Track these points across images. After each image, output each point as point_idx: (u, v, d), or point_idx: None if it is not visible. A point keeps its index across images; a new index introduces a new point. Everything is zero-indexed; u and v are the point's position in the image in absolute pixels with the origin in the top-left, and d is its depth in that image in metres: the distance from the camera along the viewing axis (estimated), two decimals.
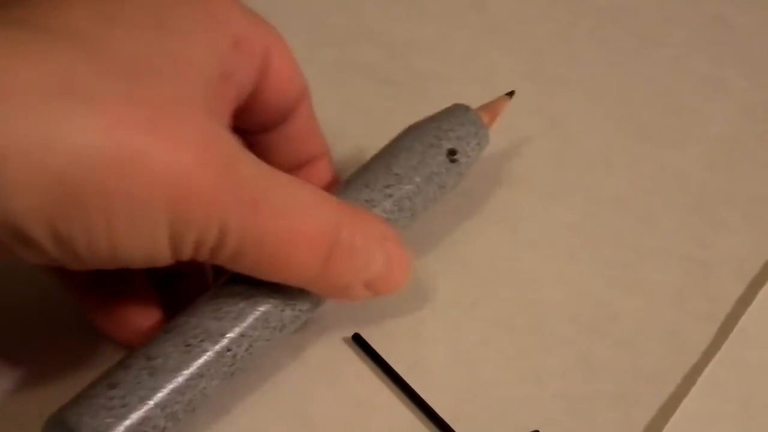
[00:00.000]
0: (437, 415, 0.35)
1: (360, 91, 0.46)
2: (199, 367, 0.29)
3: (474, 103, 0.38)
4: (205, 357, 0.30)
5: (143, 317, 0.32)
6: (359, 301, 0.33)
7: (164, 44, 0.27)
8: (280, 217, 0.28)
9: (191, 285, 0.34)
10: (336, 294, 0.33)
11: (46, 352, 0.35)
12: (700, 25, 0.49)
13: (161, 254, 0.27)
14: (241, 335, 0.30)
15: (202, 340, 0.30)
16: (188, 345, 0.29)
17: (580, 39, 0.49)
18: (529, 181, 0.43)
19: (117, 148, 0.24)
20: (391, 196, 0.34)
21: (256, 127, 0.34)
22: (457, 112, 0.37)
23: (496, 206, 0.42)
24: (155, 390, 0.28)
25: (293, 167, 0.35)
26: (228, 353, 0.30)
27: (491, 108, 0.38)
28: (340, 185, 0.35)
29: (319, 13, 0.49)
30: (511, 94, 0.39)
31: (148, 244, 0.26)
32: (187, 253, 0.27)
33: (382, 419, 0.35)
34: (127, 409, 0.28)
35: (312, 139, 0.36)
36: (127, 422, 0.28)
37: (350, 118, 0.45)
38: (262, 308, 0.31)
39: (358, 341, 0.37)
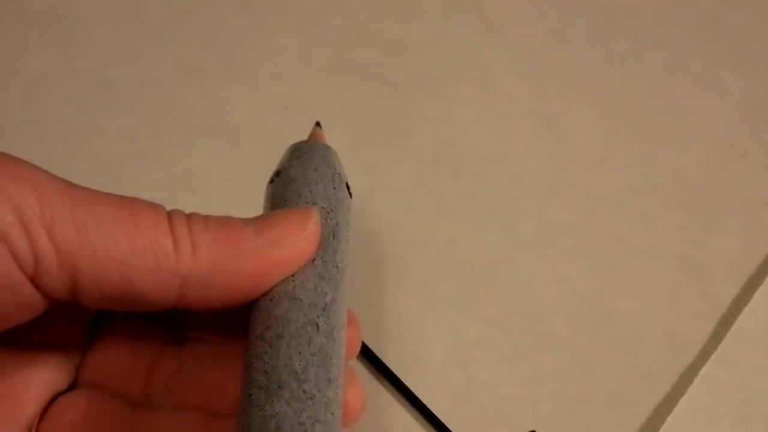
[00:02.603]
0: (434, 415, 0.35)
1: (356, 91, 0.46)
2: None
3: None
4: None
5: None
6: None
7: None
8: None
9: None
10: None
11: None
12: (696, 25, 0.49)
13: None
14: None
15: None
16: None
17: (575, 39, 0.49)
18: (524, 182, 0.43)
19: None
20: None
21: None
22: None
23: (492, 206, 0.42)
24: None
25: None
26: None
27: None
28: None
29: (315, 13, 0.49)
30: (318, 124, 0.34)
31: None
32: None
33: (380, 419, 0.35)
34: None
35: None
36: None
37: (346, 118, 0.45)
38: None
39: None
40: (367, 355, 0.36)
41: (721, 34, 0.49)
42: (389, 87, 0.46)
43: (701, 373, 0.36)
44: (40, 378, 0.26)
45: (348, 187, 0.27)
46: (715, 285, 0.39)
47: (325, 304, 0.24)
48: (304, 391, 0.22)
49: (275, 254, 0.24)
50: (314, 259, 0.25)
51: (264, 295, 0.24)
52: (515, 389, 0.36)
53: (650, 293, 0.39)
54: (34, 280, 0.23)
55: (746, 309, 0.38)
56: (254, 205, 0.41)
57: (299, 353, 0.23)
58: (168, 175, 0.43)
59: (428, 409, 0.35)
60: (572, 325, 0.38)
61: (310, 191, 0.26)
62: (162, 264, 0.23)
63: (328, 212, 0.26)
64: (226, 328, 0.28)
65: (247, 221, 0.25)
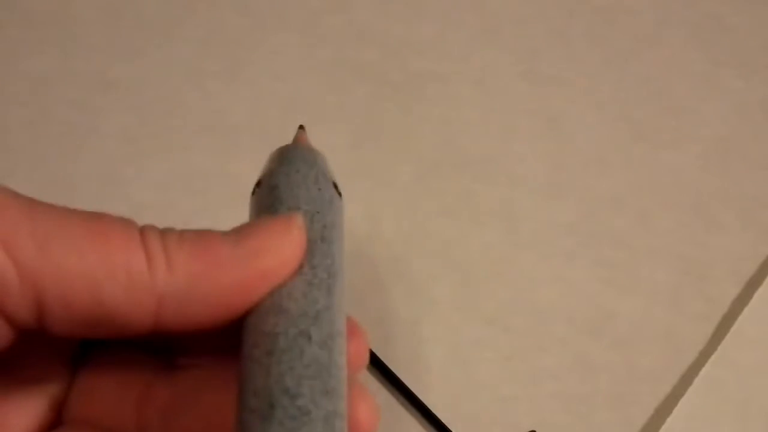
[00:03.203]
0: (434, 415, 0.35)
1: (356, 91, 0.46)
2: None
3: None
4: None
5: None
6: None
7: None
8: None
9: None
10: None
11: None
12: (696, 25, 0.49)
13: None
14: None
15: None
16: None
17: (576, 39, 0.49)
18: (524, 182, 0.43)
19: None
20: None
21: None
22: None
23: (492, 206, 0.42)
24: None
25: None
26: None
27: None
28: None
29: (315, 13, 0.49)
30: (301, 127, 0.33)
31: None
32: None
33: (380, 420, 0.35)
34: None
35: None
36: None
37: (346, 118, 0.45)
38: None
39: None
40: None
41: (721, 34, 0.49)
42: (389, 87, 0.46)
43: (701, 373, 0.36)
44: (21, 419, 0.24)
45: (335, 186, 0.26)
46: (715, 285, 0.39)
47: (317, 312, 0.22)
48: (299, 408, 0.20)
49: (258, 264, 0.22)
50: (302, 265, 0.23)
51: (251, 311, 0.23)
52: (515, 389, 0.36)
53: (650, 293, 0.39)
54: None
55: (746, 309, 0.38)
56: None
57: (291, 368, 0.21)
58: (168, 175, 0.43)
59: (428, 409, 0.35)
60: (572, 325, 0.38)
61: (293, 195, 0.25)
62: (135, 281, 0.21)
63: (314, 215, 0.24)
64: (219, 349, 0.25)
65: (225, 233, 0.23)
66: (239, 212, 0.41)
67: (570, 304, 0.39)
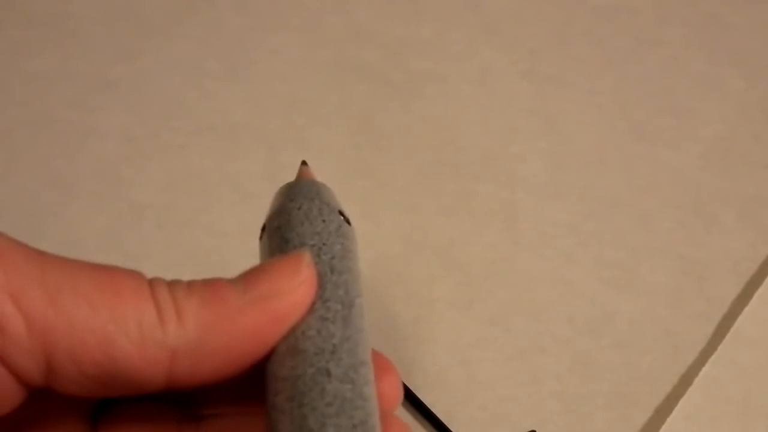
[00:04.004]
0: (434, 415, 0.35)
1: (356, 91, 0.46)
2: None
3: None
4: None
5: None
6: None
7: None
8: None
9: None
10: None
11: None
12: (696, 25, 0.49)
13: None
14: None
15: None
16: None
17: (575, 39, 0.49)
18: (524, 182, 0.43)
19: None
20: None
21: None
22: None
23: (492, 206, 0.42)
24: None
25: None
26: None
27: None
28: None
29: (315, 13, 0.49)
30: (303, 163, 0.31)
31: None
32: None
33: None
34: None
35: None
36: None
37: (346, 118, 0.45)
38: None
39: None
40: None
41: (721, 34, 0.49)
42: (389, 87, 0.46)
43: (701, 373, 0.36)
44: None
45: (342, 214, 0.26)
46: (715, 285, 0.39)
47: (334, 346, 0.22)
48: None
49: (270, 309, 0.22)
50: (314, 302, 0.23)
51: (269, 357, 0.22)
52: (515, 389, 0.36)
53: (650, 293, 0.39)
54: (2, 358, 0.20)
55: (746, 309, 0.38)
56: (254, 204, 0.41)
57: (312, 409, 0.20)
58: (168, 175, 0.43)
59: (428, 409, 0.35)
60: (572, 325, 0.38)
61: (298, 233, 0.24)
62: (147, 335, 0.21)
63: (321, 248, 0.24)
64: (244, 396, 0.24)
65: (233, 279, 0.22)
66: (239, 212, 0.41)
67: (570, 304, 0.39)
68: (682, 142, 0.45)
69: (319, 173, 0.42)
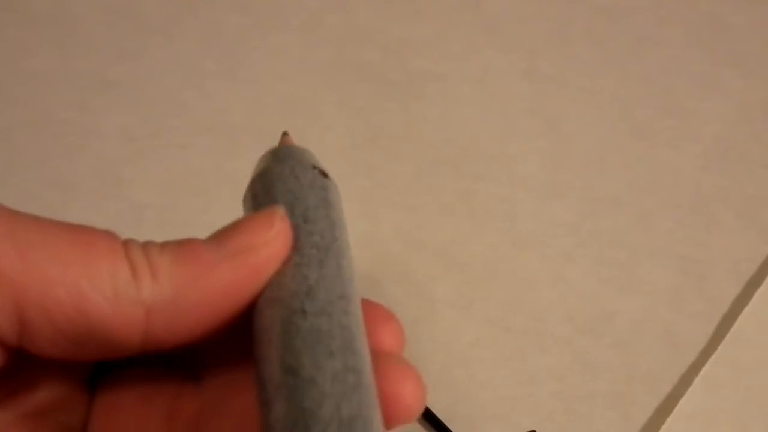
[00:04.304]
0: (434, 415, 0.35)
1: (356, 91, 0.46)
2: None
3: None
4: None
5: None
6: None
7: None
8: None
9: None
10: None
11: None
12: (696, 25, 0.49)
13: None
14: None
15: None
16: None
17: (575, 38, 0.49)
18: (524, 182, 0.43)
19: None
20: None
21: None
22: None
23: (492, 206, 0.42)
24: None
25: None
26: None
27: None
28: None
29: (315, 13, 0.49)
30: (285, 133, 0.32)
31: None
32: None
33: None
34: None
35: None
36: None
37: (346, 118, 0.45)
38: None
39: None
40: None
41: (721, 34, 0.49)
42: (389, 87, 0.46)
43: (701, 373, 0.36)
44: None
45: (319, 170, 0.26)
46: (715, 285, 0.39)
47: (309, 287, 0.22)
48: (303, 379, 0.20)
49: (245, 262, 0.22)
50: (289, 255, 0.23)
51: (251, 314, 0.22)
52: (515, 389, 0.36)
53: (650, 293, 0.39)
54: None
55: (746, 309, 0.38)
56: None
57: (288, 347, 0.21)
58: (168, 175, 0.43)
59: (428, 408, 0.35)
60: (572, 325, 0.38)
61: (269, 194, 0.25)
62: (121, 292, 0.20)
63: (293, 203, 0.24)
64: (241, 356, 0.24)
65: (206, 238, 0.22)
66: (239, 212, 0.41)
67: (570, 304, 0.39)
68: (682, 142, 0.45)
69: None
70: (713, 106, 0.46)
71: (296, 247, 0.23)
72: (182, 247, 0.22)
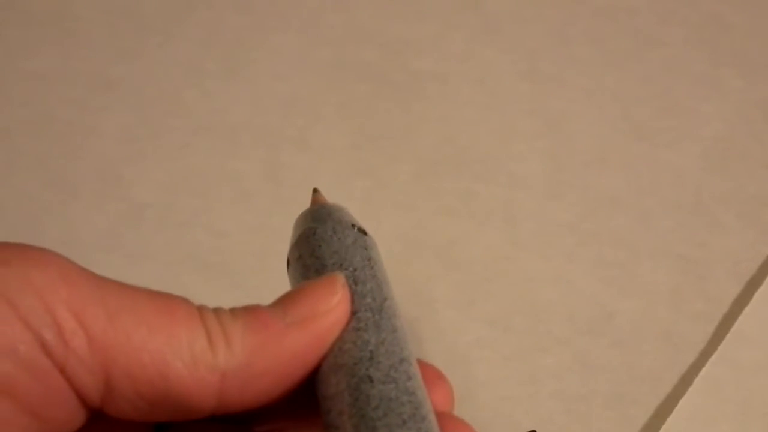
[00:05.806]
0: None
1: (356, 91, 0.46)
2: None
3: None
4: None
5: None
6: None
7: None
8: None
9: None
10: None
11: None
12: (696, 25, 0.49)
13: None
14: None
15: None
16: None
17: (576, 39, 0.49)
18: (524, 182, 0.43)
19: None
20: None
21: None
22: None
23: (492, 206, 0.42)
24: None
25: None
26: None
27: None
28: None
29: (315, 13, 0.49)
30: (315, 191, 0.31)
31: None
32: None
33: None
34: None
35: None
36: None
37: (346, 118, 0.45)
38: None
39: None
40: None
41: (721, 34, 0.49)
42: (389, 87, 0.46)
43: (701, 373, 0.36)
44: None
45: (357, 228, 0.27)
46: (715, 285, 0.39)
47: (371, 353, 0.23)
48: None
49: (311, 329, 0.23)
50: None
51: (315, 380, 0.23)
52: (515, 389, 0.36)
53: (650, 293, 0.39)
54: (64, 372, 0.20)
55: (746, 309, 0.38)
56: (254, 204, 0.41)
57: (362, 417, 0.21)
58: (168, 175, 0.43)
59: None
60: (572, 325, 0.38)
61: (317, 257, 0.25)
62: (199, 359, 0.21)
63: (341, 264, 0.25)
64: (294, 410, 0.25)
65: (270, 306, 0.23)
66: (239, 212, 0.41)
67: (570, 304, 0.39)
68: (682, 142, 0.45)
69: (319, 173, 0.42)
70: (713, 106, 0.46)
71: (351, 311, 0.24)
72: (251, 314, 0.23)
